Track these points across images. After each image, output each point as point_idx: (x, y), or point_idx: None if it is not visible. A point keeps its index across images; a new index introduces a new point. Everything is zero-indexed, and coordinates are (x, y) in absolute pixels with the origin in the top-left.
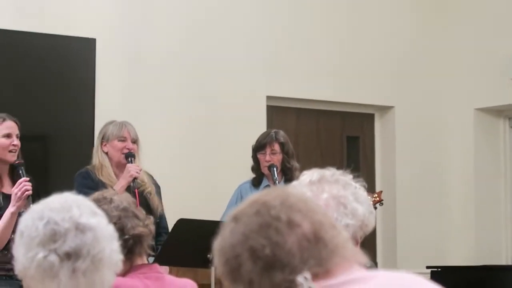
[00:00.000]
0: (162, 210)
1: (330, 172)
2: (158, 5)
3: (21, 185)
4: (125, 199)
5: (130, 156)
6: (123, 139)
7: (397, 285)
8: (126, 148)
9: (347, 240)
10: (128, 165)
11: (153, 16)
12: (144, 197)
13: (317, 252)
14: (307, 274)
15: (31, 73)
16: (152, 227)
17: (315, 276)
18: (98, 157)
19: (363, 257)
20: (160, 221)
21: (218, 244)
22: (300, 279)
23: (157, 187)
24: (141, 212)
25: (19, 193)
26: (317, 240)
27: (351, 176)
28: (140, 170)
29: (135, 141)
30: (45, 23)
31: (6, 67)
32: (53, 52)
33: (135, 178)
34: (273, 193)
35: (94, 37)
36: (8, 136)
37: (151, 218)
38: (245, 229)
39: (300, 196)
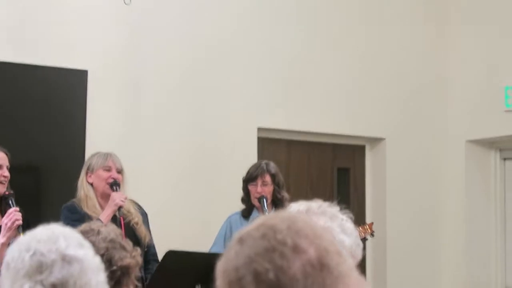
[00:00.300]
0: (151, 239)
1: (317, 204)
2: (152, 38)
3: (11, 215)
4: (112, 231)
5: (115, 185)
6: (108, 169)
7: None
8: (111, 177)
9: (352, 268)
10: (113, 193)
11: (146, 49)
12: (130, 227)
13: (321, 279)
14: None
15: (22, 105)
16: (139, 259)
17: None
18: (83, 188)
19: (367, 286)
20: (149, 249)
21: (222, 265)
22: None
23: (144, 216)
24: (128, 244)
25: (9, 223)
26: (322, 266)
27: (338, 208)
28: (125, 198)
29: (120, 171)
30: (37, 54)
31: None
32: (44, 84)
33: (120, 207)
34: (280, 216)
35: (86, 69)
36: None
37: (138, 249)
38: (250, 252)
39: (307, 221)
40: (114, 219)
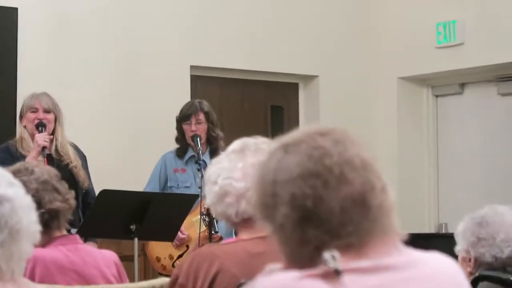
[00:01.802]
0: (90, 183)
1: (253, 141)
2: None
3: None
4: (47, 172)
5: (40, 126)
6: (35, 110)
7: (435, 278)
8: (37, 118)
9: (392, 208)
10: (36, 135)
11: None
12: (69, 170)
13: (357, 217)
14: (335, 253)
15: None
16: (73, 202)
17: (348, 248)
18: (19, 131)
19: (402, 230)
20: (88, 193)
21: (261, 171)
22: (327, 256)
23: (83, 159)
24: (63, 186)
25: None
26: (362, 203)
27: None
28: (49, 139)
29: (49, 111)
30: None
31: None
32: None
33: (44, 147)
34: (333, 137)
35: (16, 6)
36: None
37: (72, 192)
38: (292, 169)
39: (359, 149)
40: (51, 160)
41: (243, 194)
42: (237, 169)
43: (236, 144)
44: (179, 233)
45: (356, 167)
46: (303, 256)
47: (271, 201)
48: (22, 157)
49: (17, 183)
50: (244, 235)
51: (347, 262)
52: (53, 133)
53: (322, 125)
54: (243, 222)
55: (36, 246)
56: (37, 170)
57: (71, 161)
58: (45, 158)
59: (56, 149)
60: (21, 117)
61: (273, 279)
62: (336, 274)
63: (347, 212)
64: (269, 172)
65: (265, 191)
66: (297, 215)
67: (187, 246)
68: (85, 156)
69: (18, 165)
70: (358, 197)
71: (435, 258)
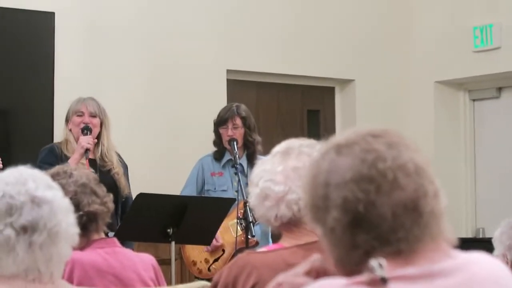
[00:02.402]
0: (130, 192)
1: (298, 144)
2: None
3: None
4: (86, 175)
5: (86, 129)
6: (81, 114)
7: (483, 281)
8: (82, 122)
9: (443, 213)
10: (80, 137)
11: None
12: (111, 176)
13: (409, 223)
14: (383, 261)
15: None
16: (111, 205)
17: (397, 254)
18: (64, 133)
19: (451, 235)
20: (127, 201)
21: (313, 171)
22: (373, 263)
23: (125, 168)
24: (101, 189)
25: None
26: (414, 209)
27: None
28: (93, 142)
29: (95, 115)
30: None
31: None
32: (12, 27)
33: (87, 150)
34: (388, 140)
35: (53, 11)
36: None
37: (111, 195)
38: (345, 173)
39: (413, 155)
40: (93, 164)
41: (282, 197)
42: (277, 172)
43: (281, 146)
44: (214, 240)
45: (409, 173)
46: (352, 260)
47: (323, 203)
48: (67, 159)
49: (55, 186)
50: (284, 240)
51: (394, 269)
52: (98, 138)
53: (375, 126)
54: (283, 226)
55: (74, 249)
56: (75, 173)
57: (113, 167)
58: (87, 160)
59: (101, 154)
60: (67, 120)
61: (320, 286)
62: (382, 282)
63: (399, 218)
64: (321, 173)
65: (317, 193)
66: (348, 219)
67: (223, 251)
68: (126, 166)
69: (56, 168)
70: (410, 203)
71: (483, 260)
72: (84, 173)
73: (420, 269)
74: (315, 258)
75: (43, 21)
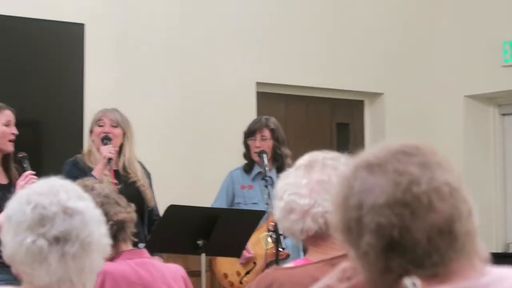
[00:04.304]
0: (155, 203)
1: (321, 156)
2: None
3: (27, 178)
4: (106, 187)
5: (105, 139)
6: (102, 124)
7: None
8: (103, 132)
9: (476, 232)
10: (101, 147)
11: (142, 2)
12: (136, 188)
13: (444, 248)
14: (417, 280)
15: (20, 59)
16: (134, 214)
17: (432, 277)
18: (88, 144)
19: (485, 252)
20: (153, 210)
21: (344, 191)
22: (407, 282)
23: (148, 177)
24: (122, 200)
25: (25, 186)
26: (449, 232)
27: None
28: (114, 151)
29: (116, 125)
30: (34, 8)
31: None
32: (42, 38)
33: (110, 159)
34: (420, 159)
35: (82, 23)
36: (7, 124)
37: (132, 205)
38: (378, 196)
39: (447, 176)
40: (117, 176)
41: (308, 211)
42: (302, 185)
43: (305, 158)
44: (245, 252)
45: (444, 196)
46: (385, 282)
47: (356, 226)
48: (90, 170)
49: (87, 197)
50: (311, 255)
51: (427, 287)
52: (120, 148)
53: (407, 141)
54: (309, 239)
55: (105, 260)
56: (97, 186)
57: (138, 179)
58: (111, 170)
59: (123, 166)
60: (90, 131)
61: None
62: None
63: (433, 242)
64: (354, 195)
65: (349, 215)
66: (382, 244)
67: (254, 263)
68: (149, 173)
69: (77, 182)
70: (445, 226)
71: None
72: (104, 185)
73: (454, 287)
74: (344, 267)
75: (73, 33)
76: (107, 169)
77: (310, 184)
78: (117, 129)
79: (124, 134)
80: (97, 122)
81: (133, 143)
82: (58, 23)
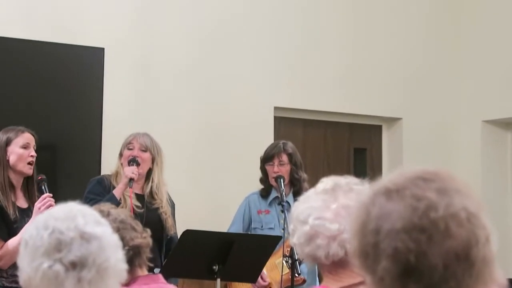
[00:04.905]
0: (175, 232)
1: (345, 181)
2: (167, 16)
3: (45, 200)
4: (122, 212)
5: (132, 161)
6: (131, 148)
7: None
8: (131, 155)
9: (494, 258)
10: (125, 167)
11: (162, 27)
12: (158, 214)
13: (461, 274)
14: None
15: (39, 82)
16: (149, 239)
17: None
18: (117, 165)
19: (502, 279)
20: (172, 239)
21: (361, 217)
22: None
23: (172, 207)
24: (137, 225)
25: (42, 208)
26: (466, 258)
27: (365, 185)
28: (137, 172)
29: (146, 150)
30: (54, 32)
31: (14, 75)
32: (61, 61)
33: (131, 179)
34: (438, 185)
35: (102, 47)
36: (26, 147)
37: (148, 230)
38: (396, 221)
39: (465, 202)
40: (141, 200)
41: (335, 236)
42: (329, 209)
43: (327, 182)
44: (260, 279)
45: (461, 221)
46: None
47: (372, 252)
48: (113, 189)
49: (104, 222)
50: (327, 282)
51: None
52: (149, 174)
53: (425, 167)
54: (332, 265)
55: (121, 285)
56: (113, 212)
57: (162, 206)
58: (131, 189)
59: (151, 191)
60: (120, 154)
61: None
62: None
63: (450, 268)
64: (371, 220)
65: (366, 241)
66: (398, 270)
67: None
68: (173, 203)
69: (93, 207)
70: (462, 252)
71: None
72: (120, 211)
73: None
74: None
75: (93, 57)
76: (127, 190)
77: (336, 209)
78: (146, 154)
79: (153, 159)
80: (127, 145)
81: (162, 169)
82: (78, 47)
